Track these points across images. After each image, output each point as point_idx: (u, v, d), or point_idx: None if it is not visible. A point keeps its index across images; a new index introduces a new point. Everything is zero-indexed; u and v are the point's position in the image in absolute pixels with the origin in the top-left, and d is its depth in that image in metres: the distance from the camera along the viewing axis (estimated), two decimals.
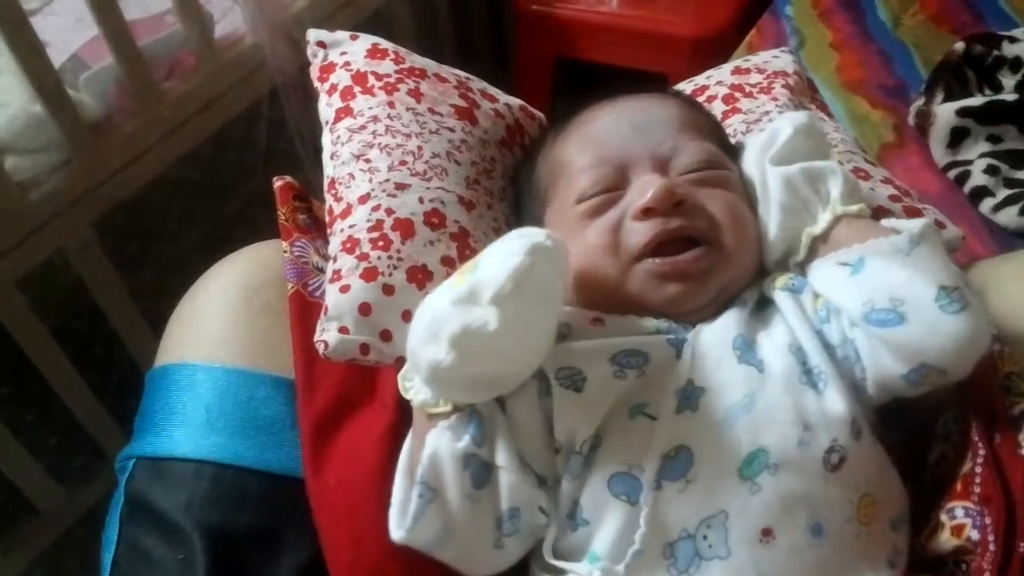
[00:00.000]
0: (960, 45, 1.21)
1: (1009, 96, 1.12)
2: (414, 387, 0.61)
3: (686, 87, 0.96)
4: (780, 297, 0.64)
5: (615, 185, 0.68)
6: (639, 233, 0.65)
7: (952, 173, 1.11)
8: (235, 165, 1.49)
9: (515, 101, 0.90)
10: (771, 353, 0.61)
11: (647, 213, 0.64)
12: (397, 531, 0.58)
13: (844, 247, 0.61)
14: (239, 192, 1.56)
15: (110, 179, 1.17)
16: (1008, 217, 1.04)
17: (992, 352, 0.64)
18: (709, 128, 0.75)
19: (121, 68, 1.14)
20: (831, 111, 1.20)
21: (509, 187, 0.82)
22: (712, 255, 0.65)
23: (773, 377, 0.59)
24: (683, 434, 0.58)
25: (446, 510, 0.57)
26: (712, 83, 0.93)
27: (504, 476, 0.59)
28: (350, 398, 0.68)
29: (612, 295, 0.66)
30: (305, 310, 0.71)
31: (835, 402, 0.58)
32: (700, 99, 0.92)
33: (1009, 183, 1.08)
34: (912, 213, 0.79)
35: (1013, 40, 1.21)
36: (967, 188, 1.08)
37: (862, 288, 0.58)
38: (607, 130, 0.71)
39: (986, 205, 1.06)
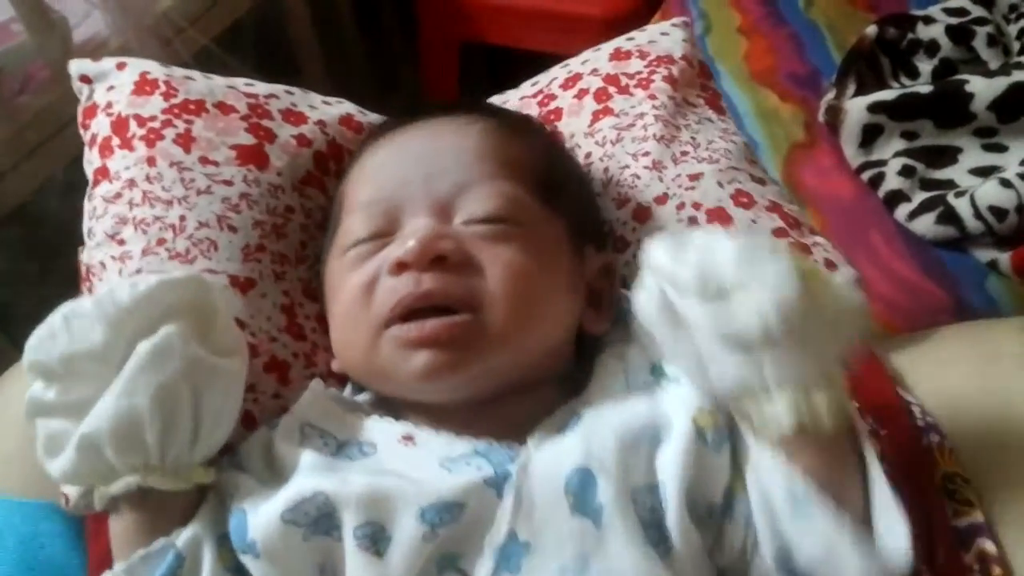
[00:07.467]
0: (872, 29, 1.12)
1: (924, 88, 1.03)
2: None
3: (560, 72, 0.83)
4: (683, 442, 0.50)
5: (385, 230, 0.58)
6: (387, 292, 0.56)
7: (866, 175, 1.02)
8: None
9: (335, 112, 0.74)
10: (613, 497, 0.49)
11: (400, 268, 0.55)
12: None
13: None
14: None
15: None
16: (924, 226, 0.96)
17: (930, 444, 0.56)
18: (523, 162, 0.62)
19: None
20: (738, 108, 1.12)
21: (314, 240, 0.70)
22: (474, 327, 0.54)
23: (612, 533, 0.48)
24: None
25: None
26: (587, 71, 0.80)
27: None
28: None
29: (365, 369, 0.58)
30: None
31: (693, 570, 0.48)
32: (572, 91, 0.79)
33: (925, 185, 1.00)
34: (800, 250, 0.69)
35: (928, 21, 1.12)
36: (881, 192, 1.00)
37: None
38: (386, 161, 0.61)
39: (901, 212, 0.98)
